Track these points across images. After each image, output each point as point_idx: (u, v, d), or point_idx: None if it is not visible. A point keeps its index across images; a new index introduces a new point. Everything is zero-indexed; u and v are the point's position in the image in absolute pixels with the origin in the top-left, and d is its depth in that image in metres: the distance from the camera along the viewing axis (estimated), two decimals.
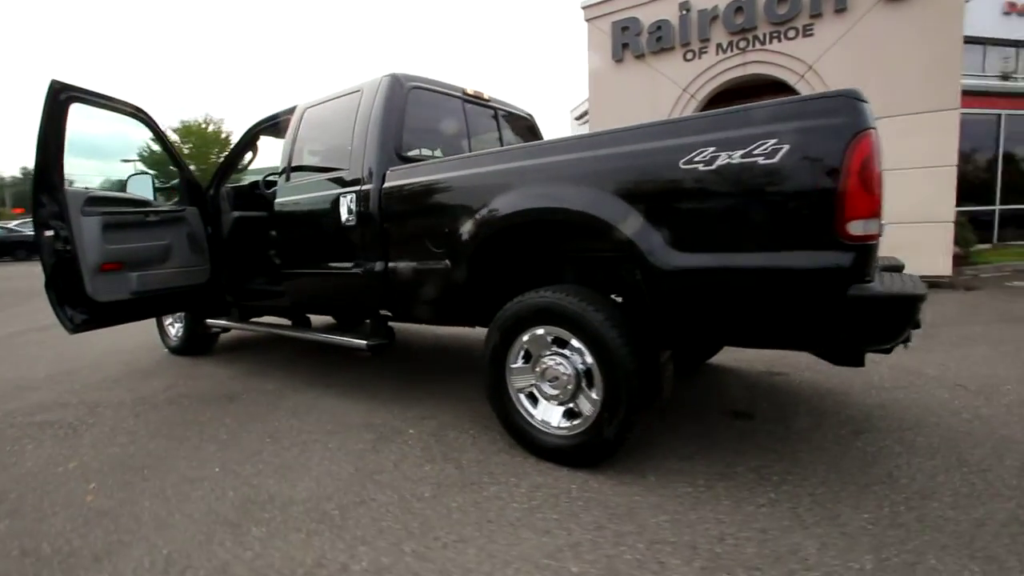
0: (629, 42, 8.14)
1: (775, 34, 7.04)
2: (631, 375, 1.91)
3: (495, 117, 3.53)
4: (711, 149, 1.66)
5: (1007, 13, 12.51)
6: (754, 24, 7.13)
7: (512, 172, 2.13)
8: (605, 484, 2.00)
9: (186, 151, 27.18)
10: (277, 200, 3.21)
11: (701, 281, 1.72)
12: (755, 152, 1.59)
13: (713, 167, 1.66)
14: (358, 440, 2.49)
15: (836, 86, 6.98)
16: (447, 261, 2.39)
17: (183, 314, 4.22)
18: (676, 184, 1.73)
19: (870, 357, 2.02)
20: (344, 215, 2.77)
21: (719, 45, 7.48)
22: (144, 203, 3.45)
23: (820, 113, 1.54)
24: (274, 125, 3.63)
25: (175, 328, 4.42)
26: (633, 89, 8.17)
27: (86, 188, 3.13)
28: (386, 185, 2.62)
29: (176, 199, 3.82)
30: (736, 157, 1.62)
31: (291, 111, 3.38)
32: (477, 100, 3.36)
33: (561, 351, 2.13)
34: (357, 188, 2.72)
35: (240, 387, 3.40)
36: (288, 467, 2.24)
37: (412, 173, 2.56)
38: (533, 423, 2.22)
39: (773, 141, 1.57)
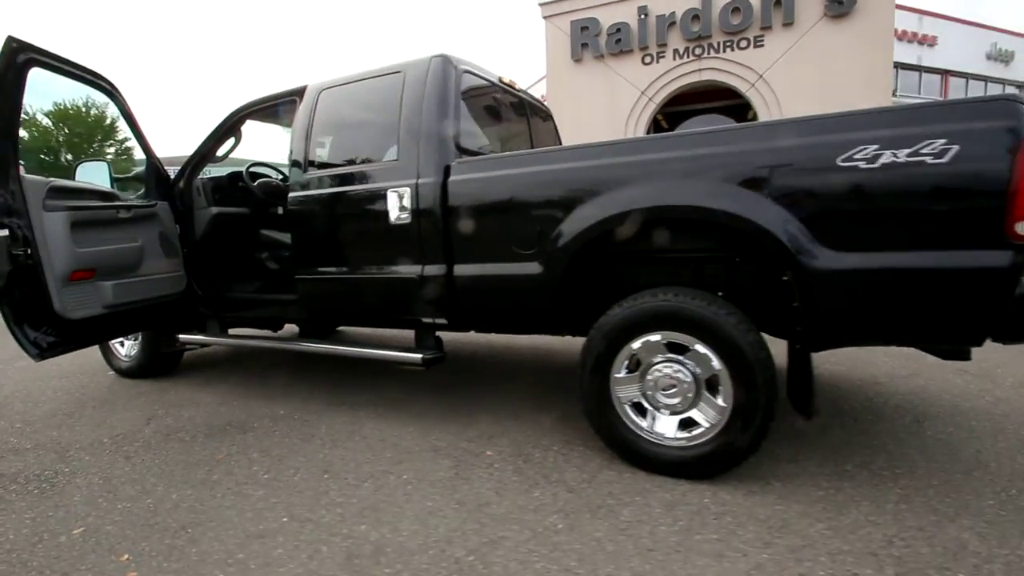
0: (588, 42, 8.21)
1: (728, 43, 7.45)
2: (770, 380, 1.85)
3: (524, 108, 3.33)
4: (874, 147, 1.62)
5: None
6: (709, 32, 7.50)
7: (638, 165, 1.97)
8: (737, 495, 1.91)
9: (61, 139, 23.51)
10: (293, 195, 2.77)
11: (861, 281, 1.69)
12: (923, 151, 1.58)
13: (876, 165, 1.62)
14: (434, 467, 2.20)
15: (784, 96, 7.57)
16: (537, 263, 2.18)
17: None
18: (835, 182, 1.68)
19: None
20: (394, 212, 2.44)
21: (676, 51, 7.79)
22: (109, 195, 2.82)
23: (988, 115, 1.56)
24: (269, 108, 3.13)
25: (126, 346, 3.71)
26: (592, 89, 8.26)
27: (46, 176, 2.48)
28: (453, 178, 2.34)
29: (141, 192, 3.18)
30: (902, 156, 1.60)
31: (297, 92, 2.93)
32: (511, 89, 3.15)
33: (675, 357, 2.01)
34: (412, 181, 2.41)
35: (243, 414, 2.90)
36: (373, 508, 1.91)
37: (493, 165, 2.31)
38: (644, 435, 2.08)
39: (942, 141, 1.56)
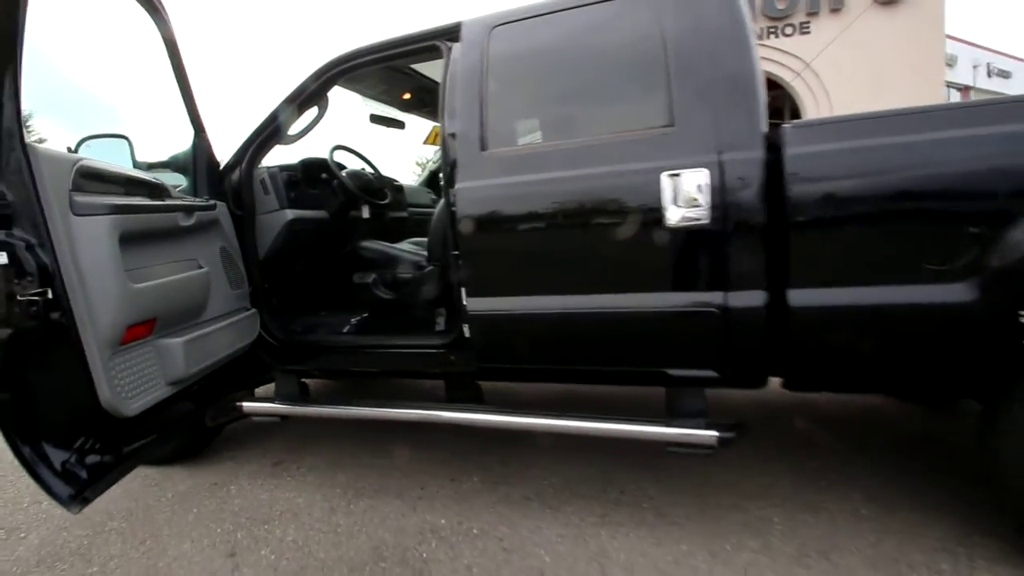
0: None
1: (773, 29, 7.01)
2: None
3: None
4: None
5: None
6: (754, 18, 6.99)
7: None
8: None
9: None
10: (464, 186, 1.76)
11: None
12: None
13: None
14: (730, 545, 1.32)
15: (831, 84, 7.19)
16: (966, 284, 1.35)
17: None
18: None
19: None
20: (675, 210, 1.53)
21: None
22: (156, 188, 1.68)
23: None
24: (383, 61, 2.10)
25: None
26: None
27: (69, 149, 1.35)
28: (792, 152, 1.46)
29: (183, 186, 2.05)
30: None
31: (444, 33, 1.94)
32: None
33: None
34: (710, 159, 1.51)
35: (392, 535, 1.85)
36: None
37: (874, 128, 1.45)
38: None
39: None
